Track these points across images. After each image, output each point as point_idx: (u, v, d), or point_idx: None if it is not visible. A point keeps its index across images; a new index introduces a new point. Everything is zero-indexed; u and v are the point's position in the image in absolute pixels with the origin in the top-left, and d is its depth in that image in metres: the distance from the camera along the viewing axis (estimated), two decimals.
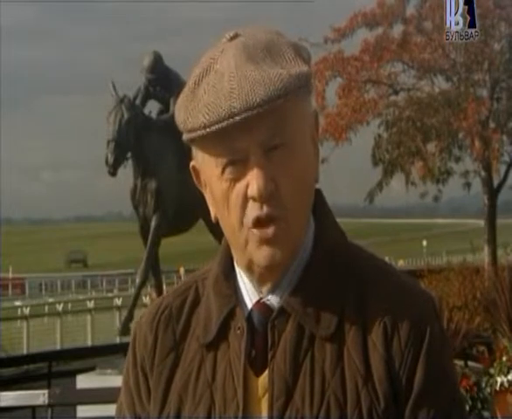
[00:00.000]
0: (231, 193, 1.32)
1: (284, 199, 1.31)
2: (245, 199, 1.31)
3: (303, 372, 1.32)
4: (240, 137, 1.30)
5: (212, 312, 1.40)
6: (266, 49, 1.33)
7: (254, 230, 1.32)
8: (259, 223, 1.31)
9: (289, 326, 1.34)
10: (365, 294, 1.35)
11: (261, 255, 1.32)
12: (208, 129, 1.29)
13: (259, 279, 1.37)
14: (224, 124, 1.28)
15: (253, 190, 1.30)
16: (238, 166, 1.31)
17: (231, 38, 1.35)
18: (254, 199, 1.30)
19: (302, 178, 1.34)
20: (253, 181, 1.30)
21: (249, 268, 1.36)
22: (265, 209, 1.31)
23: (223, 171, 1.32)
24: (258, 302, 1.37)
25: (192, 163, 1.40)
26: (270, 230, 1.31)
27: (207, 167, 1.35)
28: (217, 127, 1.28)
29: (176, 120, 1.36)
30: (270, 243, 1.32)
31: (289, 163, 1.32)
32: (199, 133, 1.30)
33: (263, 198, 1.30)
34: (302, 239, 1.37)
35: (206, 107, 1.30)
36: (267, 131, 1.30)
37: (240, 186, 1.31)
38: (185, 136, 1.35)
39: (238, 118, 1.27)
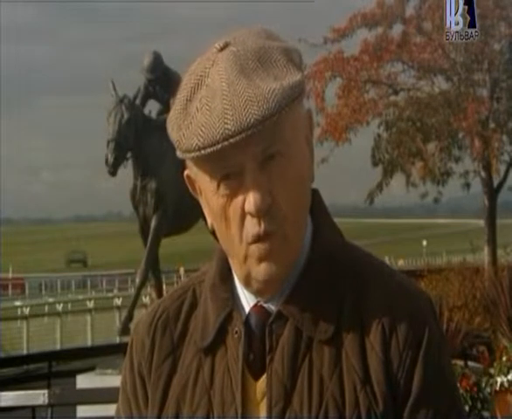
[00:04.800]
0: (228, 208, 1.31)
1: (282, 211, 1.30)
2: (243, 213, 1.30)
3: (301, 376, 1.32)
4: (234, 154, 1.28)
5: (210, 317, 1.39)
6: (257, 59, 1.30)
7: (253, 246, 1.31)
8: (258, 239, 1.30)
9: (287, 331, 1.33)
10: (363, 296, 1.35)
11: (259, 270, 1.32)
12: (203, 151, 1.27)
13: (257, 293, 1.36)
14: (219, 146, 1.26)
15: (250, 206, 1.29)
16: (233, 180, 1.30)
17: (222, 49, 1.32)
18: (252, 215, 1.29)
19: (300, 185, 1.33)
20: (250, 196, 1.29)
21: (247, 282, 1.35)
22: (263, 224, 1.29)
23: (218, 186, 1.31)
24: (255, 305, 1.37)
25: (186, 172, 1.39)
26: (267, 245, 1.30)
27: (202, 181, 1.34)
28: (211, 149, 1.26)
29: (169, 136, 1.34)
30: (268, 259, 1.31)
31: (285, 172, 1.31)
32: (194, 154, 1.29)
33: (261, 213, 1.29)
34: (300, 248, 1.36)
35: (200, 129, 1.28)
36: (261, 144, 1.29)
37: (237, 201, 1.30)
38: (180, 155, 1.33)
39: (232, 140, 1.25)
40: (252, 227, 1.30)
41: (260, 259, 1.31)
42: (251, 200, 1.28)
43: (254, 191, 1.28)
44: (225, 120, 1.25)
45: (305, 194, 1.36)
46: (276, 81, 1.28)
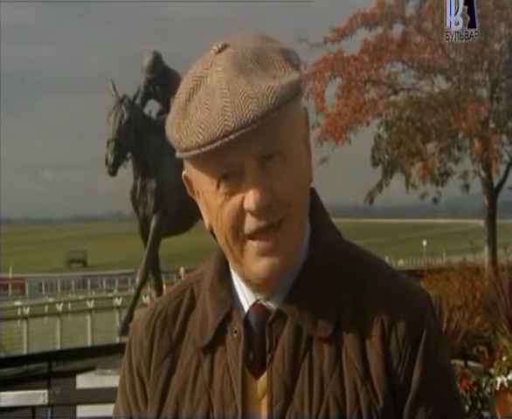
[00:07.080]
0: (226, 205, 1.31)
1: (281, 207, 1.31)
2: (242, 211, 1.30)
3: (302, 374, 1.32)
4: (235, 153, 1.28)
5: (208, 316, 1.39)
6: (255, 59, 1.31)
7: (252, 242, 1.31)
8: (257, 234, 1.30)
9: (287, 329, 1.34)
10: (362, 294, 1.36)
11: (260, 267, 1.32)
12: (203, 149, 1.27)
13: (258, 290, 1.37)
14: (219, 143, 1.26)
15: (250, 204, 1.29)
16: (233, 179, 1.30)
17: (220, 50, 1.33)
18: (252, 213, 1.30)
19: (299, 183, 1.33)
20: (250, 194, 1.29)
21: (247, 280, 1.36)
22: (263, 220, 1.30)
23: (218, 186, 1.31)
24: (255, 304, 1.37)
25: (184, 173, 1.39)
26: (267, 240, 1.31)
27: (201, 182, 1.34)
28: (211, 146, 1.26)
29: (168, 137, 1.34)
30: (269, 254, 1.31)
31: (285, 170, 1.31)
32: (194, 153, 1.29)
33: (261, 211, 1.29)
34: (300, 245, 1.37)
35: (199, 126, 1.28)
36: (261, 142, 1.29)
37: (236, 199, 1.31)
38: (179, 155, 1.33)
39: (232, 136, 1.25)
40: (252, 223, 1.30)
41: (261, 254, 1.31)
42: (251, 198, 1.28)
43: (255, 189, 1.28)
44: (225, 117, 1.25)
45: (304, 192, 1.36)
46: (275, 80, 1.29)
